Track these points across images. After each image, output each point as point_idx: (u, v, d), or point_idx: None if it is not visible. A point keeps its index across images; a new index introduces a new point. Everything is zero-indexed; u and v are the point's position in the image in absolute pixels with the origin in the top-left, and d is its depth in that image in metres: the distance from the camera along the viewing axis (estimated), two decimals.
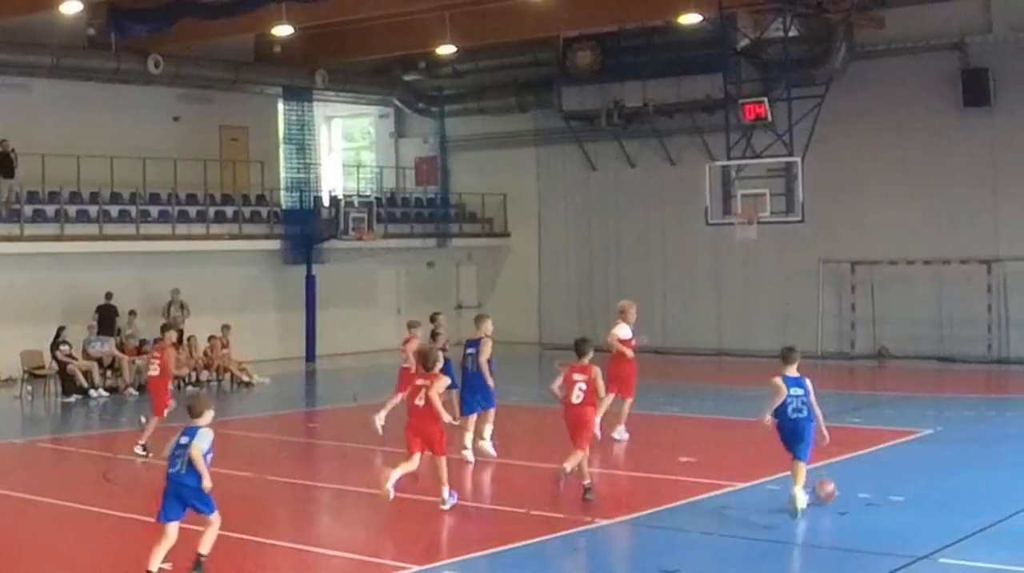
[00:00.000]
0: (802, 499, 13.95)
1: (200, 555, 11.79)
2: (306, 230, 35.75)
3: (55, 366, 28.16)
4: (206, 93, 35.92)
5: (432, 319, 20.57)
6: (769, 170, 30.14)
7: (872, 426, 21.42)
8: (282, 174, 36.81)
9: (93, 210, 31.46)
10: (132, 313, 30.84)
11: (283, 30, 30.58)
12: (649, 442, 20.30)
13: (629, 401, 20.00)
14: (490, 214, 41.36)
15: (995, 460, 18.50)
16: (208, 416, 11.78)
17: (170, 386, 20.07)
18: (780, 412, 14.15)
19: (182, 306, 31.83)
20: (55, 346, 28.17)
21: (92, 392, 27.79)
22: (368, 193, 38.04)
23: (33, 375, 28.47)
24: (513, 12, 31.87)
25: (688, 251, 36.75)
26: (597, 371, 15.53)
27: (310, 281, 35.79)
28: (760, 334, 34.68)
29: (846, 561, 12.67)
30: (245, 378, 30.23)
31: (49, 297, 30.13)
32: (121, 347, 29.62)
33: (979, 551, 12.61)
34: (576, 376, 15.41)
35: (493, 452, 18.35)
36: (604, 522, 14.08)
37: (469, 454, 18.03)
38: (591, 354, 15.73)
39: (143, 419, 19.59)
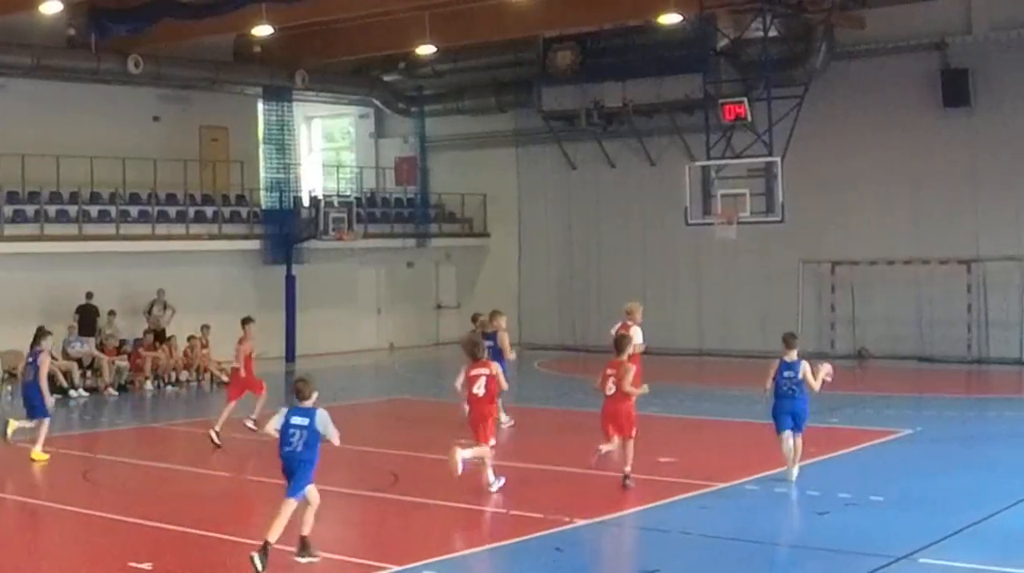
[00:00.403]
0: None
1: (304, 537, 12.33)
2: (286, 230, 35.66)
3: None
4: (186, 93, 35.85)
5: (474, 319, 23.23)
6: (749, 170, 30.20)
7: (852, 426, 21.43)
8: (262, 174, 36.68)
9: (73, 210, 31.33)
10: (112, 313, 30.74)
11: (263, 30, 30.49)
12: None
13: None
14: (470, 214, 41.30)
15: (975, 460, 18.58)
16: (314, 397, 12.47)
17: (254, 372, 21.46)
18: (775, 391, 15.93)
19: (165, 306, 31.76)
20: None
21: (72, 392, 27.71)
22: (348, 193, 37.92)
23: (12, 375, 28.32)
24: (493, 12, 31.81)
25: (668, 251, 36.71)
26: (629, 366, 16.25)
27: (290, 281, 35.69)
28: (740, 334, 34.79)
29: (826, 561, 12.68)
30: (224, 378, 30.08)
31: (29, 297, 29.93)
32: (101, 347, 29.54)
33: (959, 551, 12.64)
34: (609, 370, 16.11)
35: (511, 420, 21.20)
36: (583, 522, 14.05)
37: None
38: (629, 350, 16.53)
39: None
